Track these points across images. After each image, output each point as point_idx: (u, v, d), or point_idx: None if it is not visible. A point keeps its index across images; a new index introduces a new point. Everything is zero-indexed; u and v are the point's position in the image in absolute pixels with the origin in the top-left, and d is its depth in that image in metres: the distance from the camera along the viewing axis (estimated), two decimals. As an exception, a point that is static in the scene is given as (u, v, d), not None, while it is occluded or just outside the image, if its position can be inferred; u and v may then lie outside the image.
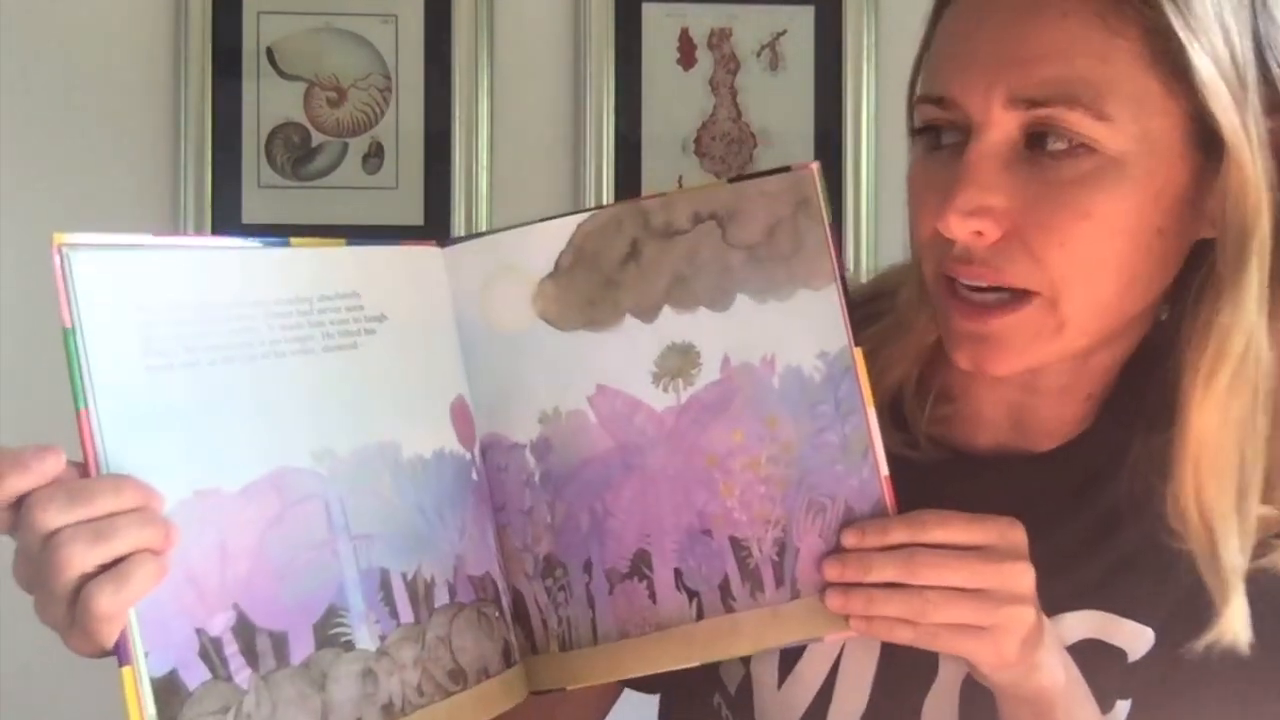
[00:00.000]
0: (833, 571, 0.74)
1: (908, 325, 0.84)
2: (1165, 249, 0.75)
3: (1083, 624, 0.81)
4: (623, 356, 0.77)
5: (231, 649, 0.64)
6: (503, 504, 0.79)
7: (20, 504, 0.60)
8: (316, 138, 1.79)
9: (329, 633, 0.68)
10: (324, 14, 1.78)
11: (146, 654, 0.61)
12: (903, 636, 0.72)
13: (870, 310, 0.85)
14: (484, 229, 1.75)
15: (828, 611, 0.74)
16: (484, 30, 1.79)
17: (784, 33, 1.83)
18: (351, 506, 0.71)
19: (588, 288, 0.77)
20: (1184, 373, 0.75)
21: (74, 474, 0.61)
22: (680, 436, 0.76)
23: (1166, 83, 0.71)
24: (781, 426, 0.75)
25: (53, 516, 0.60)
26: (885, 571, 0.72)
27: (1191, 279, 0.76)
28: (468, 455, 0.78)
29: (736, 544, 0.76)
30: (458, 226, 1.78)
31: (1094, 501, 0.82)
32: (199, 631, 0.63)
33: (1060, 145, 0.72)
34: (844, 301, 0.75)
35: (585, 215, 0.78)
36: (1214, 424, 0.74)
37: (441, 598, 0.74)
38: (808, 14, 1.83)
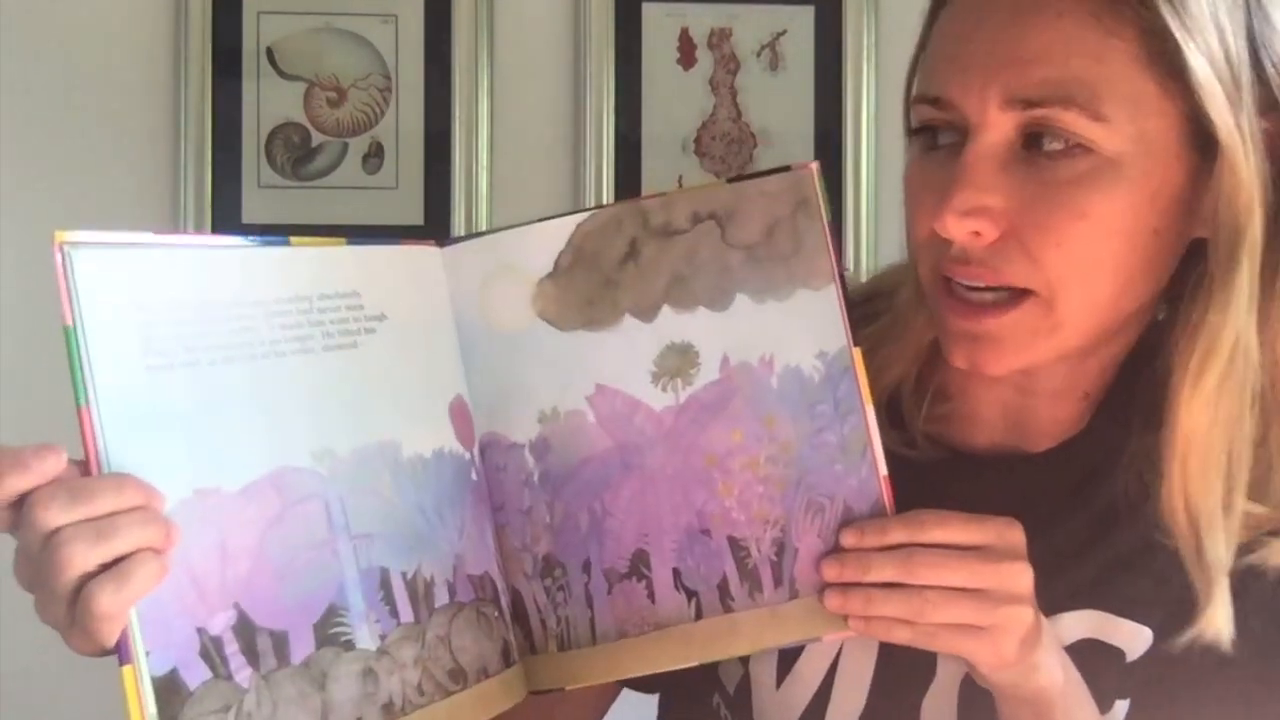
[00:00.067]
0: (831, 571, 0.74)
1: (905, 325, 0.84)
2: (1161, 249, 0.75)
3: (1081, 624, 0.81)
4: (622, 356, 0.77)
5: (232, 648, 0.64)
6: (501, 504, 0.79)
7: (21, 503, 0.60)
8: (316, 138, 1.79)
9: (329, 632, 0.69)
10: (324, 14, 1.78)
11: (147, 653, 0.61)
12: (901, 636, 0.72)
13: (868, 310, 0.85)
14: (484, 229, 1.74)
15: (826, 611, 0.74)
16: (484, 30, 1.79)
17: (784, 33, 1.83)
18: (351, 506, 0.71)
19: (587, 287, 0.78)
20: (1173, 371, 0.75)
21: (75, 473, 0.61)
22: (679, 436, 0.77)
23: (1162, 83, 0.71)
24: (780, 426, 0.75)
25: (54, 515, 0.60)
26: (884, 571, 0.72)
27: (1188, 278, 0.76)
28: (467, 455, 0.78)
29: (735, 544, 0.76)
30: (458, 226, 1.78)
31: (1091, 501, 0.82)
32: (200, 631, 0.63)
33: (1057, 145, 0.72)
34: (843, 301, 0.75)
35: (585, 215, 0.78)
36: (1202, 422, 0.74)
37: (441, 597, 0.75)
38: (808, 14, 1.83)
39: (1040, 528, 0.74)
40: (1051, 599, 0.76)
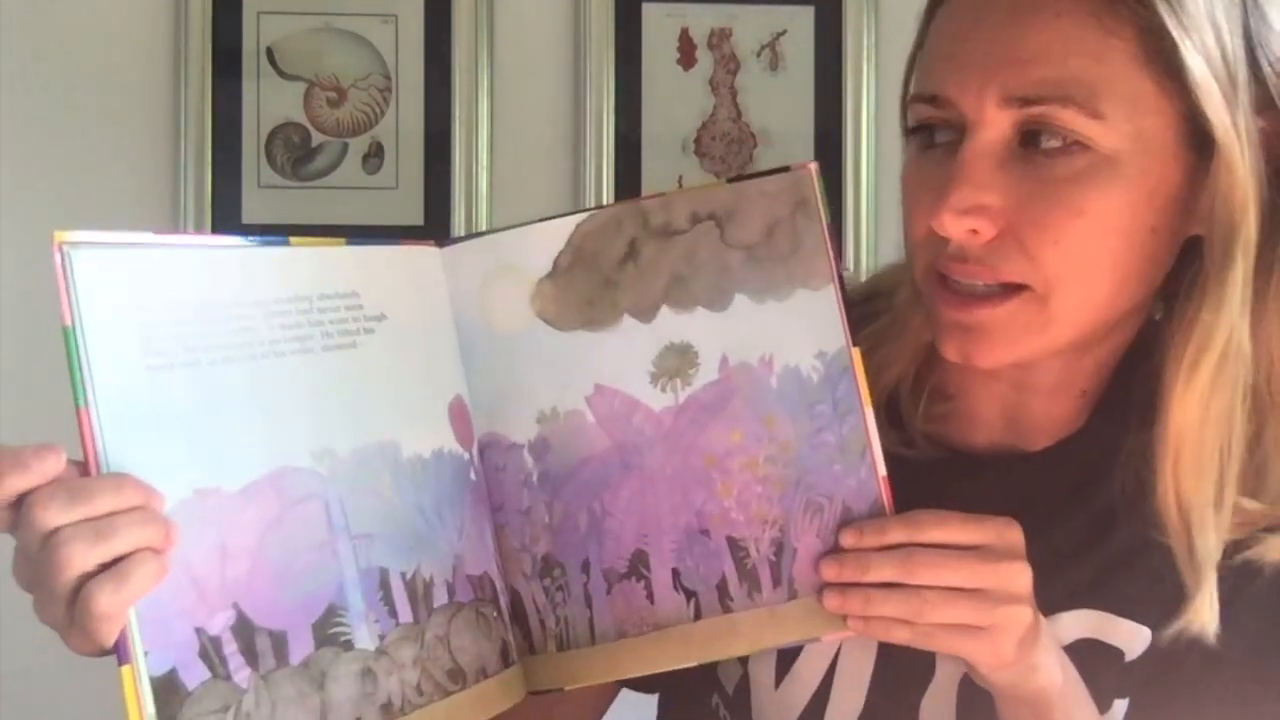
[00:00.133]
0: (830, 571, 0.74)
1: (904, 324, 0.84)
2: (1158, 247, 0.75)
3: (1079, 623, 0.81)
4: (621, 356, 0.77)
5: (231, 648, 0.64)
6: (501, 504, 0.79)
7: (20, 503, 0.60)
8: (316, 138, 1.79)
9: (328, 632, 0.69)
10: (324, 14, 1.78)
11: (146, 653, 0.61)
12: (900, 636, 0.72)
13: (867, 310, 0.85)
14: (484, 229, 1.75)
15: (825, 612, 0.74)
16: (484, 30, 1.79)
17: (784, 33, 1.83)
18: (351, 506, 0.71)
19: (586, 288, 0.78)
20: (1167, 368, 0.75)
21: (74, 473, 0.61)
22: (678, 436, 0.77)
23: (1160, 82, 0.71)
24: (779, 426, 0.75)
25: (53, 515, 0.60)
26: (883, 571, 0.72)
27: (1184, 276, 0.76)
28: (466, 455, 0.78)
29: (734, 544, 0.76)
30: (458, 226, 1.78)
31: (1089, 500, 0.82)
32: (199, 631, 0.63)
33: (1054, 143, 0.72)
34: (842, 302, 0.75)
35: (584, 215, 0.78)
36: (1194, 419, 0.74)
37: (440, 597, 0.75)
38: (808, 14, 1.83)
39: (1039, 527, 0.74)
40: (1050, 599, 0.76)
